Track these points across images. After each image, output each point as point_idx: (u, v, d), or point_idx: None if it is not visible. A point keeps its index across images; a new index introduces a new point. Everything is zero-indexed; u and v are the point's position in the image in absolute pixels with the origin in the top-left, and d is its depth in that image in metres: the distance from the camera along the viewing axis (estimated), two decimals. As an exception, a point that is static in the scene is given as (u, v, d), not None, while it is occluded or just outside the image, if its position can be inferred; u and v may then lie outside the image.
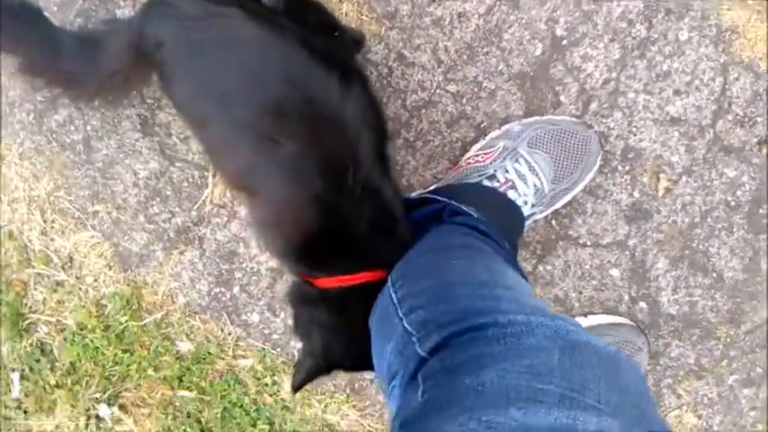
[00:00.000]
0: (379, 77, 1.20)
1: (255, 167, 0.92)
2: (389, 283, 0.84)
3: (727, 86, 1.17)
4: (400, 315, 0.77)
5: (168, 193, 1.27)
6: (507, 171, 1.13)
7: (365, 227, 0.92)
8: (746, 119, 1.18)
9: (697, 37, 1.16)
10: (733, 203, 1.23)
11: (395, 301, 0.80)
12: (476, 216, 1.02)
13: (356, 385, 1.35)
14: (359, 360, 0.93)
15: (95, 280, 1.32)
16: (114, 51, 0.98)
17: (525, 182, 1.12)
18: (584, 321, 1.27)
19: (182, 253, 1.30)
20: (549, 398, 0.58)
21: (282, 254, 1.01)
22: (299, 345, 1.33)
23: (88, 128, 1.25)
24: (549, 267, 1.28)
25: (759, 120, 1.18)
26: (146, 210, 1.28)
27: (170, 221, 1.29)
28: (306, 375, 0.97)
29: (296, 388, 0.99)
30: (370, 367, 0.90)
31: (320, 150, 0.89)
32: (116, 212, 1.29)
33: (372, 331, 0.86)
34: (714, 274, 1.26)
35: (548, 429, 0.56)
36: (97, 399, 1.34)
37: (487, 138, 1.20)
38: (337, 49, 1.04)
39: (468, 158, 1.19)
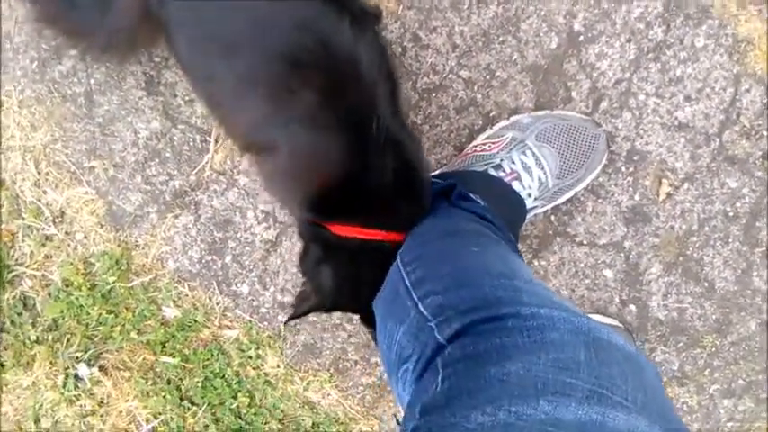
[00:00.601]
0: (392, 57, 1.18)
1: (271, 120, 0.89)
2: (400, 264, 0.83)
3: (737, 97, 1.18)
4: (414, 299, 0.76)
5: (168, 155, 1.25)
6: (513, 162, 1.12)
7: (390, 178, 0.91)
8: (753, 131, 1.19)
9: (713, 45, 1.16)
10: (731, 214, 1.23)
11: (407, 283, 0.79)
12: (482, 204, 1.01)
13: (340, 365, 1.35)
14: (362, 309, 0.94)
15: (85, 237, 1.29)
16: (122, 8, 0.97)
17: (531, 174, 1.12)
18: (574, 319, 1.27)
19: (176, 217, 1.28)
20: (577, 392, 0.57)
21: (301, 203, 0.98)
22: (284, 320, 1.32)
23: (91, 81, 1.22)
24: (543, 263, 1.28)
25: (765, 133, 1.19)
26: (143, 170, 1.26)
27: (167, 184, 1.27)
28: (307, 309, 0.98)
29: (292, 317, 1.01)
30: (369, 320, 0.90)
31: (340, 98, 0.86)
32: (113, 170, 1.26)
33: (379, 311, 0.85)
34: (706, 283, 1.27)
35: (577, 424, 0.55)
36: (77, 358, 1.32)
37: (495, 127, 1.20)
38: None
39: (475, 146, 1.18)
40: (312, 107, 0.85)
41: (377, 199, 0.93)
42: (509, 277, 0.74)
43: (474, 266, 0.78)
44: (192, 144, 1.25)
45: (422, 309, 0.73)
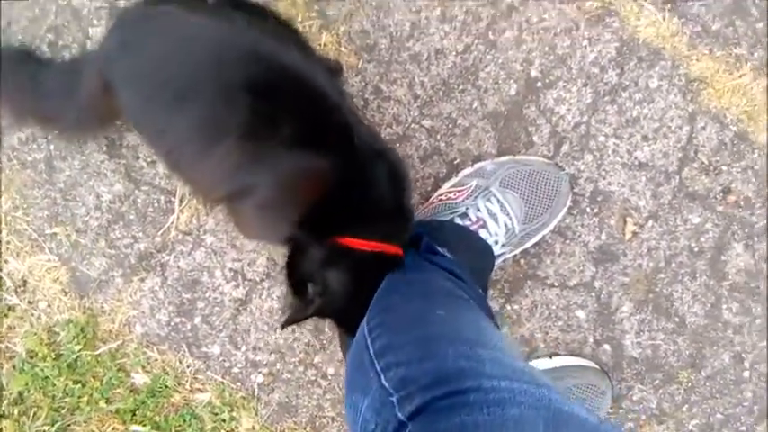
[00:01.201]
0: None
1: (246, 161, 0.86)
2: (365, 330, 0.81)
3: (693, 135, 1.20)
4: (377, 370, 0.74)
5: (132, 217, 1.24)
6: (479, 210, 1.13)
7: (382, 187, 0.92)
8: (711, 167, 1.21)
9: (666, 85, 1.19)
10: (696, 250, 1.25)
11: (371, 352, 0.77)
12: (450, 258, 1.01)
13: (317, 423, 1.32)
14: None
15: (49, 305, 1.26)
16: (87, 88, 0.97)
17: (496, 221, 1.12)
18: (549, 363, 1.27)
19: (142, 280, 1.26)
20: None
21: (295, 225, 0.94)
22: (260, 379, 1.29)
23: (51, 147, 1.21)
24: (516, 306, 1.28)
25: (724, 168, 1.21)
26: (107, 234, 1.24)
27: (132, 247, 1.25)
28: (313, 311, 0.95)
29: (297, 320, 0.98)
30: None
31: (314, 116, 0.86)
32: (75, 235, 1.24)
33: (346, 378, 0.84)
34: (677, 319, 1.28)
35: None
36: (45, 431, 1.28)
37: (460, 175, 1.20)
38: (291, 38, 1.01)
39: (440, 195, 1.19)
40: (290, 131, 0.84)
41: (372, 209, 0.93)
42: (473, 344, 0.73)
43: (439, 334, 0.77)
44: (156, 205, 1.23)
45: (384, 382, 0.72)
